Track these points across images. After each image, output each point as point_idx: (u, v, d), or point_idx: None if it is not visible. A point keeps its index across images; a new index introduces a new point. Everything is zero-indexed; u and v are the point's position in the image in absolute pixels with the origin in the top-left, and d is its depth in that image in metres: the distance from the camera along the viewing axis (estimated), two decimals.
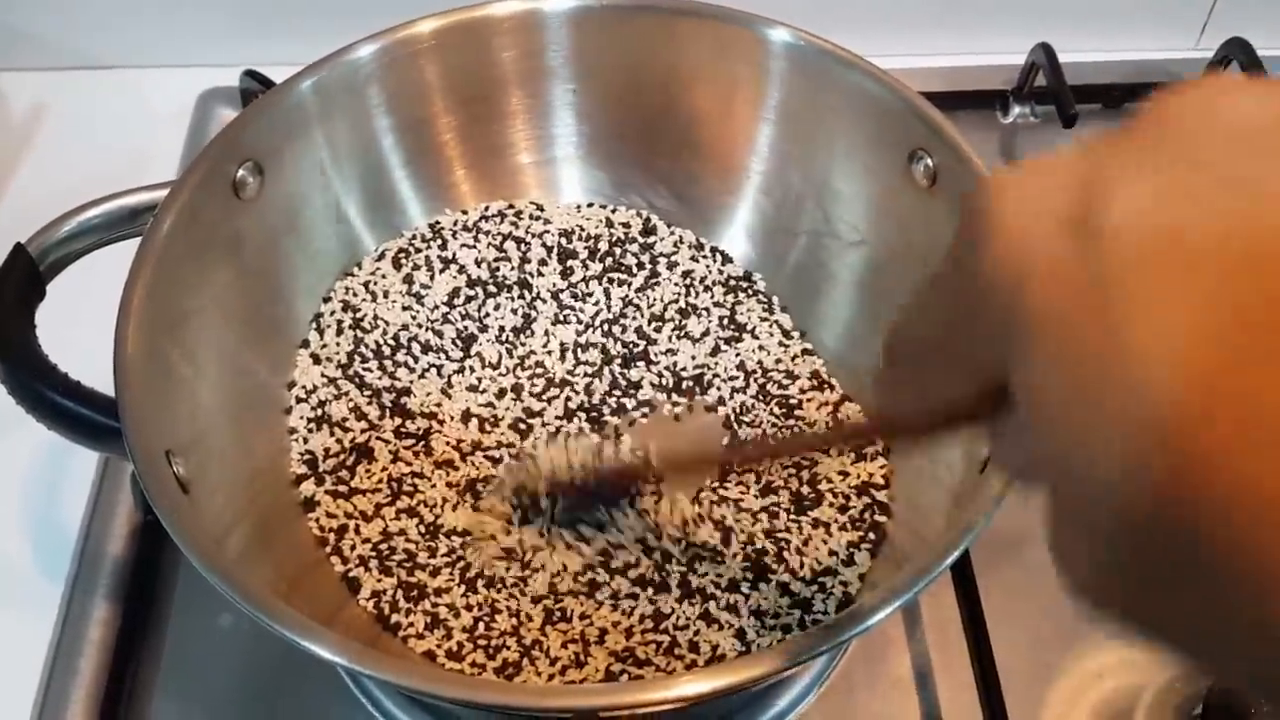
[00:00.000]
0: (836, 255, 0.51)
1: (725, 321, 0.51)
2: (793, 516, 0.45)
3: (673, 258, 0.53)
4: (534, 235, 0.53)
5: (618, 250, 0.53)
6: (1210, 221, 0.16)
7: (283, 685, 0.46)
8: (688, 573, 0.43)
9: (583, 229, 0.53)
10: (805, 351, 0.51)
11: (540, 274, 0.52)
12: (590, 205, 0.55)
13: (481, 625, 0.42)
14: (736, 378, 0.49)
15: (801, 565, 0.44)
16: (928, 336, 0.23)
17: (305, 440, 0.47)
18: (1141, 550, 0.17)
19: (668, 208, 0.54)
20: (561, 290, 0.52)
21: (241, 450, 0.43)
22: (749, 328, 0.51)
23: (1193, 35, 0.72)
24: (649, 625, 0.42)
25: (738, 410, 0.49)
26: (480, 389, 0.49)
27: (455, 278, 0.51)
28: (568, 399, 0.49)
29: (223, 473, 0.40)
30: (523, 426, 0.48)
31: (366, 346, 0.49)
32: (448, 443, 0.47)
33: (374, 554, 0.44)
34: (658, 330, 0.51)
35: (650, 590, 0.43)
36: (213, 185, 0.43)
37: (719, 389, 0.49)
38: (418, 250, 0.52)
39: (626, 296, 0.52)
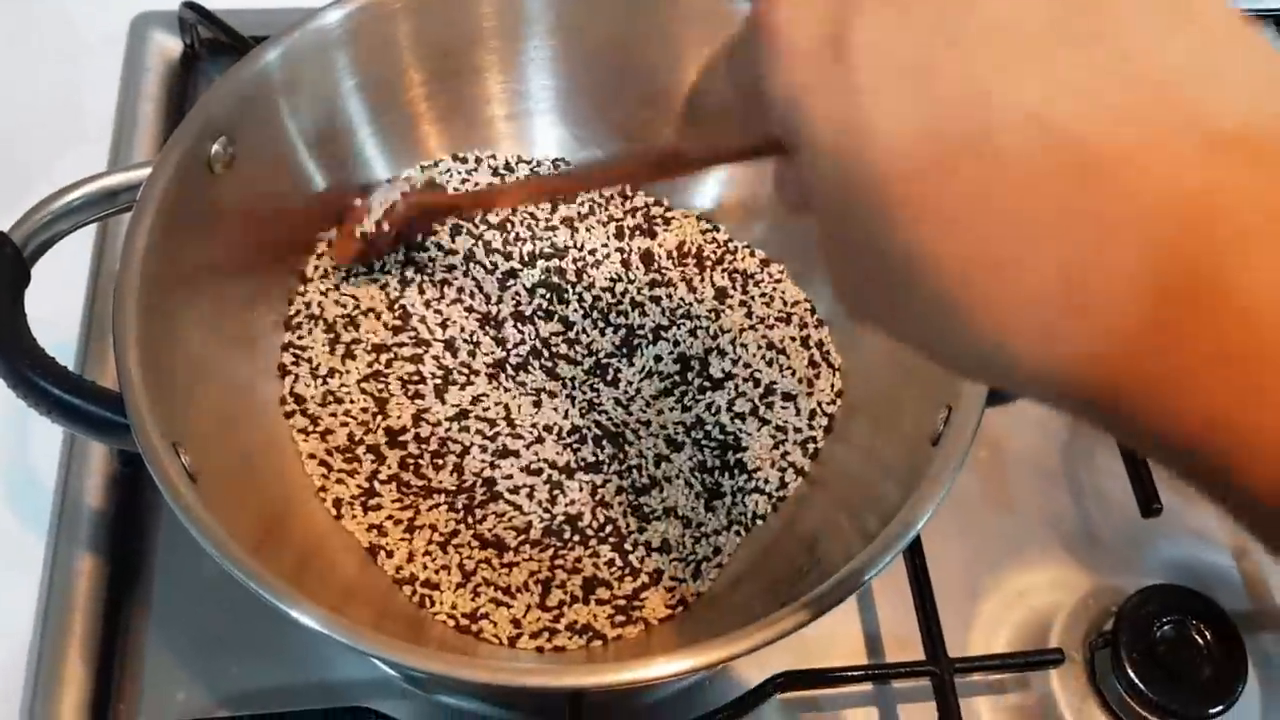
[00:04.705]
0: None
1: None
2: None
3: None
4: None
5: None
6: (916, 47, 0.22)
7: (275, 624, 0.48)
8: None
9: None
10: None
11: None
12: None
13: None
14: None
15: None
16: (721, 104, 0.28)
17: (305, 415, 0.48)
18: (861, 258, 0.24)
19: None
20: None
21: (240, 431, 0.44)
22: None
23: None
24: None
25: None
26: (463, 349, 0.50)
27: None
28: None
29: (225, 458, 0.41)
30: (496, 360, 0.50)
31: (351, 319, 0.50)
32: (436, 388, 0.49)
33: (369, 509, 0.46)
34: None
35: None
36: (189, 166, 0.43)
37: None
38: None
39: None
